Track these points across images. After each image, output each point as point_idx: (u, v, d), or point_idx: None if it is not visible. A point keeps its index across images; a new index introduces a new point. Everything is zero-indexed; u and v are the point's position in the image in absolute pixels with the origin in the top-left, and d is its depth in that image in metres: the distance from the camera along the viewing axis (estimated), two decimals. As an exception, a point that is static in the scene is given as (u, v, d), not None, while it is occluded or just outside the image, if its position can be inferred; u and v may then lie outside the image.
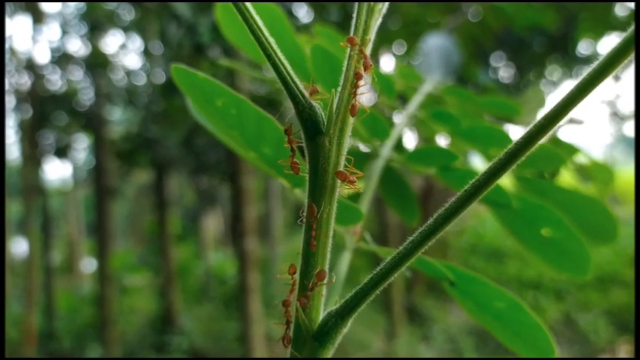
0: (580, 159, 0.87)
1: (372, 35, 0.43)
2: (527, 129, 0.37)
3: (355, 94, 0.41)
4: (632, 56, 0.34)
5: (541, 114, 0.37)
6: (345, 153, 0.42)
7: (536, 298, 6.39)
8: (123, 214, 13.49)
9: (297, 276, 0.43)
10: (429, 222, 0.40)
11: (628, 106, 6.69)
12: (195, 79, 0.47)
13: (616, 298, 6.26)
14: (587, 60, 4.75)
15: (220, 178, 6.46)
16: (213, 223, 11.69)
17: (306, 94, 0.42)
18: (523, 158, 0.37)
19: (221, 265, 9.05)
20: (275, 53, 0.41)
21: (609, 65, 0.34)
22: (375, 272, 0.42)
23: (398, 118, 0.81)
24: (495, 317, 0.57)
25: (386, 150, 0.75)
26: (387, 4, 0.44)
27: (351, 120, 0.42)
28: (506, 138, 0.71)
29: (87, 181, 9.66)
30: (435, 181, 0.73)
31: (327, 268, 0.43)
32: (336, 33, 0.78)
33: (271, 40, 0.41)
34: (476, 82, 3.41)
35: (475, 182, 0.39)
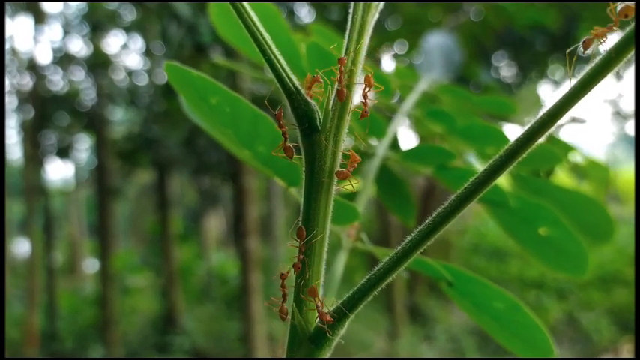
0: (575, 157, 0.86)
1: (369, 31, 0.42)
2: (529, 125, 0.36)
3: (341, 80, 0.40)
4: (632, 54, 0.34)
5: (542, 111, 0.36)
6: (342, 151, 0.41)
7: (539, 298, 6.38)
8: (125, 215, 13.50)
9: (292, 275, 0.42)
10: (427, 221, 0.39)
11: (630, 105, 6.66)
12: (188, 77, 0.46)
13: (618, 297, 6.24)
14: (589, 59, 4.72)
15: (222, 178, 6.46)
16: (214, 224, 11.69)
17: (302, 90, 0.41)
18: (524, 155, 0.37)
19: (223, 265, 9.05)
20: (270, 49, 0.40)
21: (611, 61, 0.34)
22: (373, 272, 0.41)
23: (394, 117, 0.81)
24: (493, 317, 0.57)
25: (382, 149, 0.74)
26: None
27: (347, 116, 0.41)
28: (502, 136, 0.70)
29: (89, 181, 9.68)
30: (437, 181, 0.72)
31: (323, 269, 0.42)
32: (331, 31, 0.77)
33: (266, 35, 0.40)
34: (477, 81, 3.40)
35: (475, 180, 0.38)
